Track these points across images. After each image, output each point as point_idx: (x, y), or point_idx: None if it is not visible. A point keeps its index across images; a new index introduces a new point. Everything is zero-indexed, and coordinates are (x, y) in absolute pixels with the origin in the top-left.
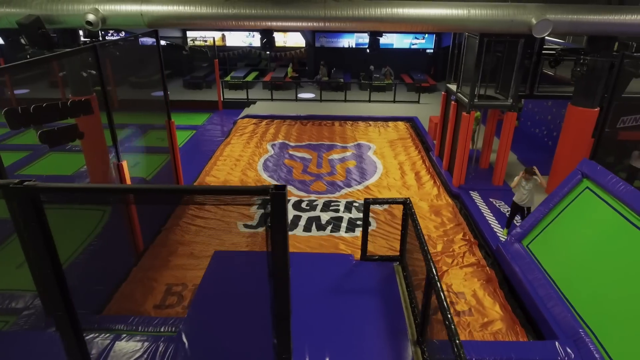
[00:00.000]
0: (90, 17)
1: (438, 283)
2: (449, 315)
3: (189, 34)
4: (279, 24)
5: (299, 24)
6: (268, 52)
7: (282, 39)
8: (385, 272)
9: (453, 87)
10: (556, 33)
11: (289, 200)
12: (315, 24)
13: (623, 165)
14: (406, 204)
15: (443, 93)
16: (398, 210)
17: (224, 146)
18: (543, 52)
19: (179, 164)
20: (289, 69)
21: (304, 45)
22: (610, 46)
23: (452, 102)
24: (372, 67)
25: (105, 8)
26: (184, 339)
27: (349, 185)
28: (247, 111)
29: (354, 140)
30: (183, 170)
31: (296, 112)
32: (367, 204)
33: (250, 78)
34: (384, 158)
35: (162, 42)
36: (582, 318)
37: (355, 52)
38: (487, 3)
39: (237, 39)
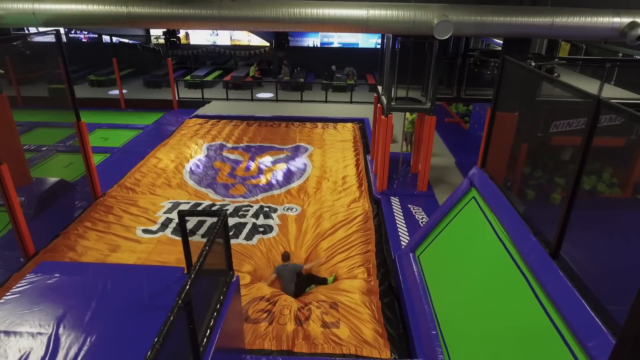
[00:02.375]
0: None
1: (176, 308)
2: (158, 346)
3: (153, 32)
4: (176, 24)
5: (195, 24)
6: (232, 52)
7: (245, 38)
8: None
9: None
10: (460, 35)
11: (201, 204)
12: (211, 24)
13: (567, 172)
14: (220, 216)
15: (375, 95)
16: (298, 217)
17: (161, 147)
18: (469, 53)
19: (92, 167)
20: (252, 68)
21: (268, 45)
22: (524, 48)
23: (379, 105)
24: (333, 67)
25: None
26: None
27: (270, 189)
28: (200, 111)
29: (294, 142)
30: (112, 172)
31: (251, 113)
32: (181, 216)
33: (211, 77)
34: (318, 161)
35: (116, 40)
36: (444, 338)
37: (321, 52)
38: (388, 3)
39: (201, 38)
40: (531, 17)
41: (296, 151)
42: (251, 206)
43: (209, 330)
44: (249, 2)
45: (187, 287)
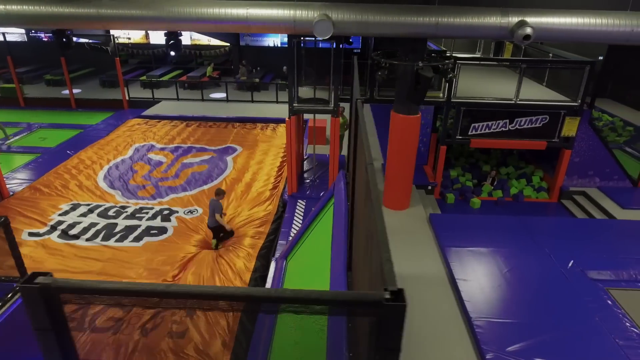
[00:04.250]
0: None
1: None
2: None
3: (112, 31)
4: (55, 23)
5: (75, 23)
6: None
7: (205, 38)
8: None
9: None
10: (345, 34)
11: (101, 206)
12: (91, 23)
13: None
14: (2, 224)
15: None
16: (196, 219)
17: (89, 147)
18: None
19: None
20: (209, 68)
21: (227, 44)
22: (417, 49)
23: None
24: (284, 68)
25: None
26: None
27: (182, 191)
28: (149, 111)
29: (225, 143)
30: (33, 173)
31: (200, 113)
32: None
33: (167, 77)
34: (241, 162)
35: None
36: (271, 352)
37: (281, 51)
38: (269, 2)
39: (161, 37)
40: (415, 16)
41: (224, 152)
42: (153, 208)
43: None
44: (129, 0)
45: None
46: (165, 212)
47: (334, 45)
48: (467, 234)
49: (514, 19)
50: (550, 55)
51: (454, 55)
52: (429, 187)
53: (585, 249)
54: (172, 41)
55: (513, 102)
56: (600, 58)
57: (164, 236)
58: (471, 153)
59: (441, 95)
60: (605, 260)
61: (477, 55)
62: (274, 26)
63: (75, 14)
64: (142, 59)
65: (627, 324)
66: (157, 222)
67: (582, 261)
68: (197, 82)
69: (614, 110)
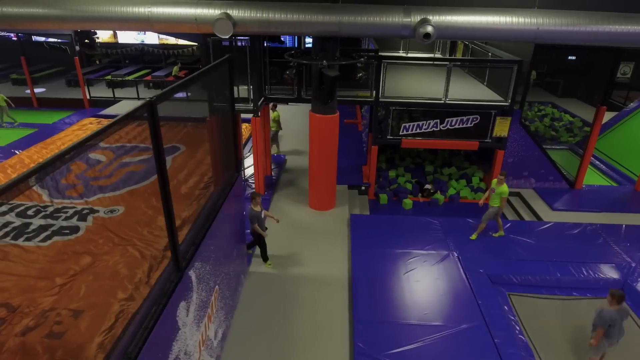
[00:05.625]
0: None
1: None
2: None
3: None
4: None
5: None
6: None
7: (172, 38)
8: None
9: None
10: (248, 34)
11: (23, 205)
12: None
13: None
14: None
15: None
16: (113, 219)
17: (33, 147)
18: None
19: None
20: (175, 68)
21: (195, 44)
22: (328, 47)
23: None
24: None
25: None
26: None
27: (112, 190)
28: (107, 110)
29: (170, 142)
30: None
31: (161, 112)
32: None
33: (132, 77)
34: (180, 162)
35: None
36: None
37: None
38: (171, 0)
39: (129, 37)
40: (317, 15)
41: (165, 152)
42: (74, 207)
43: None
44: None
45: None
46: (85, 211)
47: (250, 43)
48: (381, 235)
49: (417, 18)
50: (490, 54)
51: (380, 54)
52: (362, 188)
53: (496, 252)
54: (86, 40)
55: (442, 101)
56: (572, 58)
57: (74, 236)
58: (418, 154)
59: (369, 94)
60: (513, 264)
61: (437, 55)
62: (176, 25)
63: None
64: (115, 58)
65: (516, 330)
66: (73, 221)
67: (488, 264)
68: (162, 82)
69: (579, 111)
